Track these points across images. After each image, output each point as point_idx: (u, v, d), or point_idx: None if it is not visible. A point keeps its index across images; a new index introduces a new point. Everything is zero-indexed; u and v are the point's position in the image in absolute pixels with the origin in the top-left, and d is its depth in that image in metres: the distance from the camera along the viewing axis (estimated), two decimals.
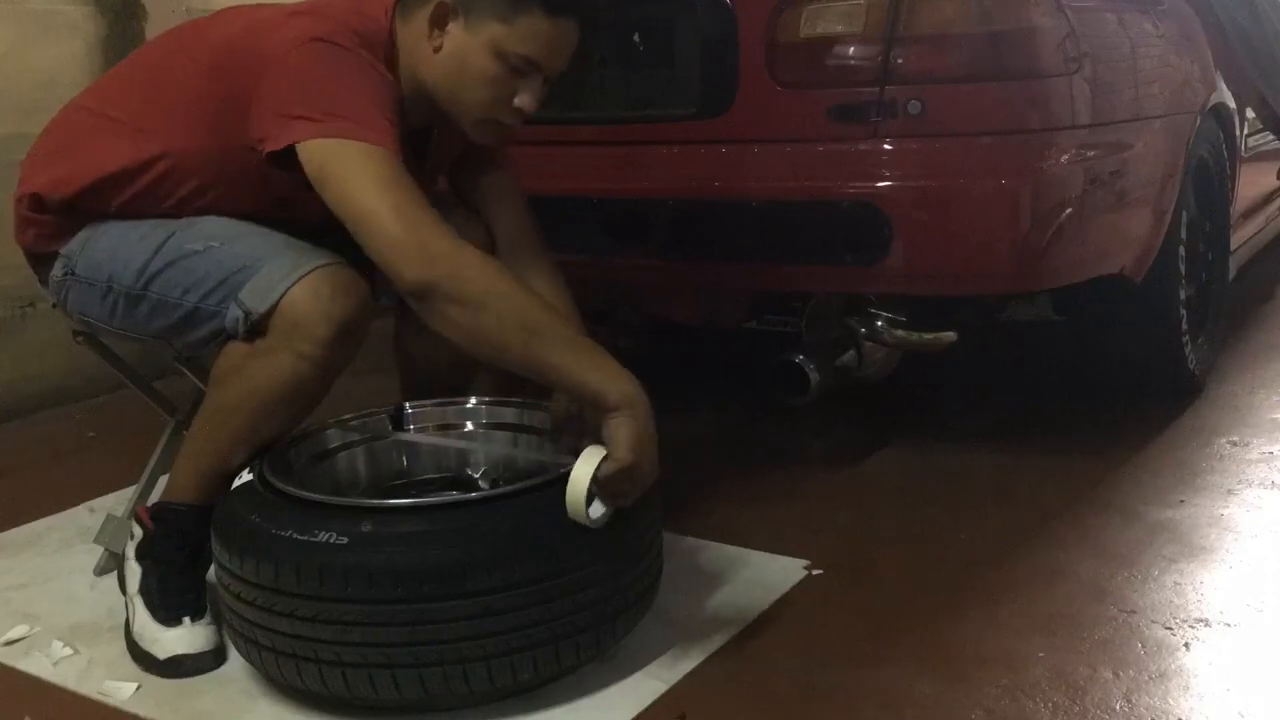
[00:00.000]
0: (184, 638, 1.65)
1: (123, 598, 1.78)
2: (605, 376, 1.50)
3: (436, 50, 1.65)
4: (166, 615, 1.67)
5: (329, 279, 1.58)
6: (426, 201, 1.53)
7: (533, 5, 1.60)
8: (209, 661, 1.65)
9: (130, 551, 1.74)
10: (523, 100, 1.66)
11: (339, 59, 1.59)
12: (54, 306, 1.90)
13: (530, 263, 1.84)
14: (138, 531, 1.74)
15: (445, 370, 1.93)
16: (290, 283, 1.58)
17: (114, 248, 1.74)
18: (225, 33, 1.71)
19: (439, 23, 1.64)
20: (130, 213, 1.75)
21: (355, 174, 1.51)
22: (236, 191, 1.72)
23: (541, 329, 1.50)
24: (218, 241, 1.68)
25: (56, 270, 1.81)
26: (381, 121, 1.56)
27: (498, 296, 1.49)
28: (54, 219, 1.79)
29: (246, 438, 1.65)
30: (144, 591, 1.70)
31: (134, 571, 1.72)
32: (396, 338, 1.98)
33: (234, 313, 1.62)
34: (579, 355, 1.51)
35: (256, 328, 1.60)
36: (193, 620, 1.67)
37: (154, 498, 1.82)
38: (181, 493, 1.70)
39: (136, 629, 1.69)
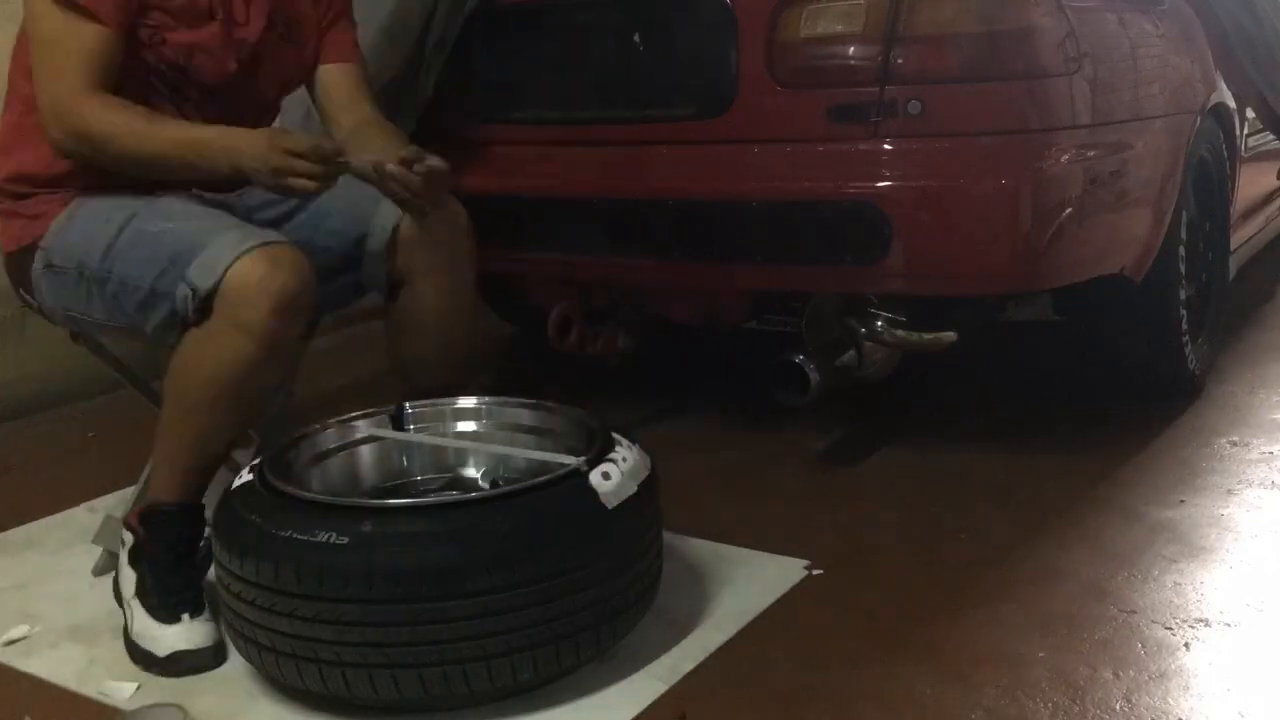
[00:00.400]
0: (183, 634, 1.66)
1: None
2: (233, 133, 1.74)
3: None
4: (165, 613, 1.68)
5: (267, 254, 1.63)
6: (92, 64, 1.72)
7: None
8: (209, 658, 1.65)
9: (123, 559, 1.75)
10: None
11: None
12: (37, 310, 1.91)
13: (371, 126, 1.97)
14: (128, 538, 1.75)
15: (435, 363, 1.95)
16: (232, 258, 1.61)
17: (83, 230, 1.78)
18: None
19: None
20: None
21: (42, 38, 1.74)
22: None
23: (159, 129, 1.73)
24: (172, 222, 1.73)
25: (37, 264, 1.84)
26: None
27: (120, 126, 1.71)
28: (16, 201, 1.85)
29: (211, 427, 1.67)
30: (140, 594, 1.70)
31: (128, 578, 1.73)
32: (388, 336, 1.99)
33: (183, 290, 1.65)
34: (204, 129, 1.76)
35: (204, 307, 1.63)
36: (191, 617, 1.67)
37: None
38: (164, 492, 1.71)
39: (136, 630, 1.69)
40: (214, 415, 1.66)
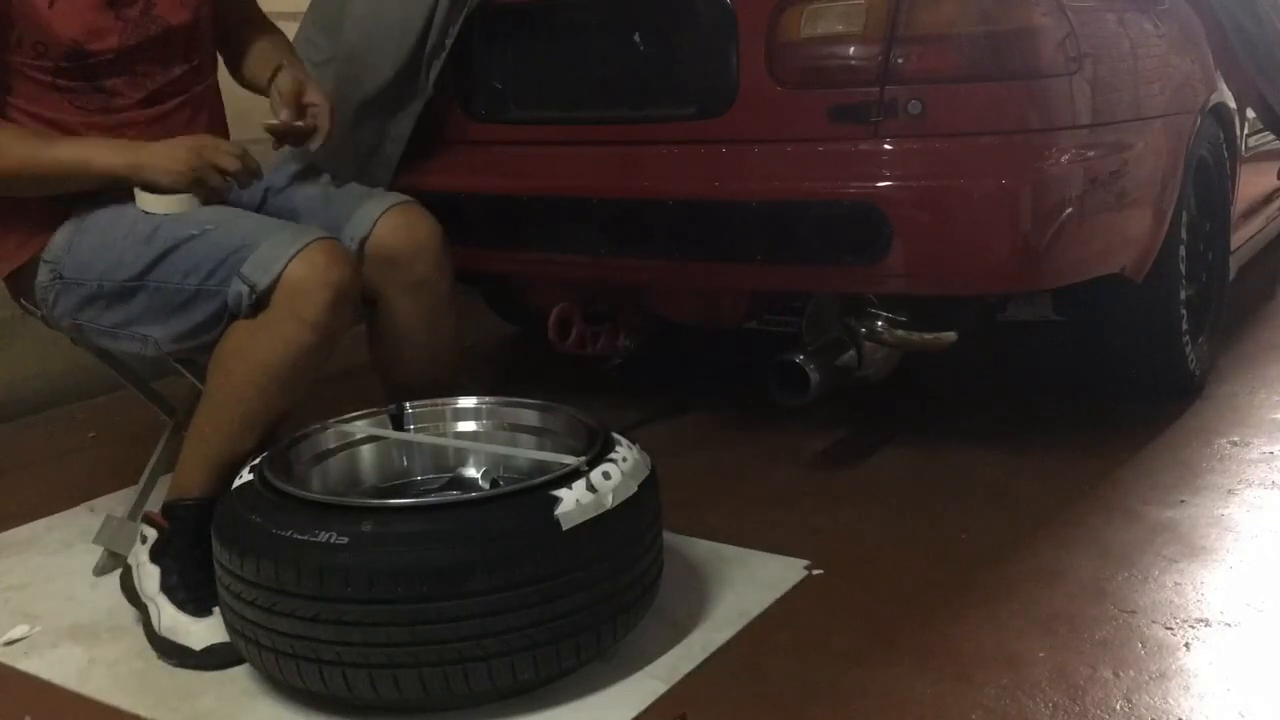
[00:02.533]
0: (217, 627, 1.64)
1: (124, 599, 1.77)
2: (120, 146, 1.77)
3: None
4: (197, 608, 1.67)
5: (323, 250, 1.69)
6: None
7: None
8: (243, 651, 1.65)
9: (143, 556, 1.74)
10: None
11: None
12: (41, 318, 1.91)
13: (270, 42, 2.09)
14: (150, 533, 1.74)
15: (417, 375, 1.95)
16: (290, 255, 1.67)
17: (102, 245, 1.78)
18: None
19: None
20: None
21: None
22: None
23: (47, 143, 1.76)
24: (212, 225, 1.74)
25: (43, 276, 1.83)
26: None
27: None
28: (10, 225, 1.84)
29: (257, 417, 1.69)
30: (167, 589, 1.70)
31: (151, 573, 1.72)
32: (369, 346, 1.99)
33: (237, 288, 1.68)
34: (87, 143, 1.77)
35: (259, 302, 1.67)
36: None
37: (154, 498, 1.83)
38: (192, 488, 1.71)
39: (165, 625, 1.68)
40: (260, 402, 1.69)
